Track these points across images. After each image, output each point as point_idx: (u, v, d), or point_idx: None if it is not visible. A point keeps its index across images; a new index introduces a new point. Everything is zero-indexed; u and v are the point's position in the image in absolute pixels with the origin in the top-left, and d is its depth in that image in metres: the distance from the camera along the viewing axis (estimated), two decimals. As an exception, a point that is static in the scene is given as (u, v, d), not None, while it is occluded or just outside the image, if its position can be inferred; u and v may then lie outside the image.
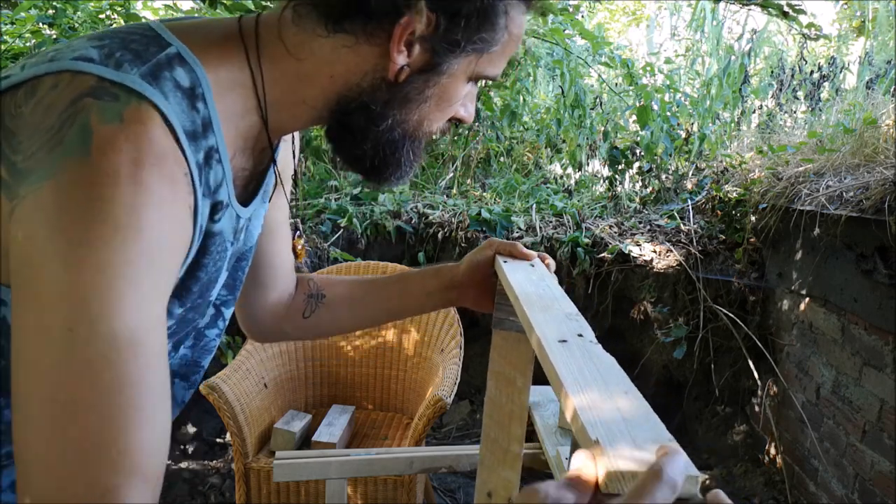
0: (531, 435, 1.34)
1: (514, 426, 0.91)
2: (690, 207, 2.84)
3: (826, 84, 3.46)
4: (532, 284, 0.76)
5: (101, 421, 0.47)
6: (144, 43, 0.57)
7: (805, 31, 2.76)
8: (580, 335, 0.61)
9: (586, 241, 2.65)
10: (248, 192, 0.72)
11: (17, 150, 0.52)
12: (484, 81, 0.71)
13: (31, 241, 0.50)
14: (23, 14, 2.98)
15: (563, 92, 3.28)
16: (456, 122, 0.72)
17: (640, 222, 2.86)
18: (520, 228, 2.73)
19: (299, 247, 0.87)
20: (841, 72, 3.58)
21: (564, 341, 0.59)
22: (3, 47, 2.87)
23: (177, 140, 0.55)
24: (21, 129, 0.53)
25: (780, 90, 3.59)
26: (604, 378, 0.54)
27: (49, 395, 0.47)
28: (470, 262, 0.91)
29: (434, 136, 0.72)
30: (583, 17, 4.09)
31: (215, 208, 0.64)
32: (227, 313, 0.80)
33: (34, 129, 0.52)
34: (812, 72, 3.54)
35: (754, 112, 3.63)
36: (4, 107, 0.55)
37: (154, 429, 0.50)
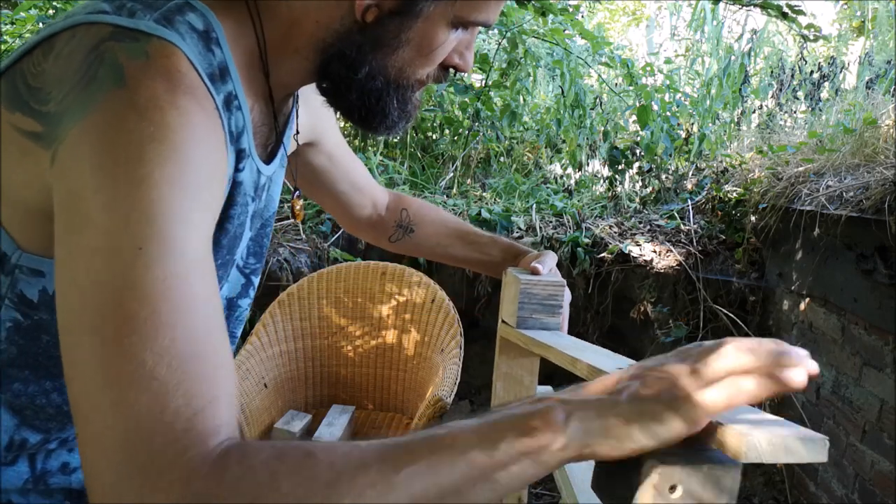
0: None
1: None
2: (690, 207, 2.84)
3: (826, 84, 3.46)
4: (554, 337, 0.80)
5: (188, 335, 0.45)
6: None
7: (804, 32, 2.76)
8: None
9: (586, 241, 2.65)
10: (268, 152, 0.73)
11: (46, 101, 0.52)
12: (475, 30, 0.69)
13: (82, 174, 0.48)
14: (23, 14, 2.98)
15: (563, 92, 3.28)
16: (452, 69, 0.70)
17: (640, 222, 2.86)
18: (520, 228, 2.73)
19: (298, 207, 0.88)
20: (841, 72, 3.58)
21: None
22: (3, 47, 2.87)
23: (200, 78, 0.55)
24: (46, 82, 0.53)
25: (780, 90, 3.59)
26: None
27: (128, 313, 0.44)
28: (525, 263, 0.99)
29: (426, 84, 0.69)
30: (583, 17, 4.10)
31: (239, 156, 0.64)
32: (256, 282, 0.80)
33: (60, 77, 0.52)
34: (812, 72, 3.54)
35: (754, 112, 3.63)
36: (26, 69, 0.54)
37: (227, 349, 0.49)
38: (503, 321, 0.95)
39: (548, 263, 0.95)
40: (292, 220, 2.55)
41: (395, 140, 3.40)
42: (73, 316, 0.46)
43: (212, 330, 0.47)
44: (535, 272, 0.91)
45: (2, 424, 0.62)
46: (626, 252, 2.62)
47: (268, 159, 0.72)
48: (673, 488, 0.45)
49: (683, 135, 3.23)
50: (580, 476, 0.87)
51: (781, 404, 2.51)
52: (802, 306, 2.35)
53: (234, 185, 0.65)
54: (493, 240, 1.07)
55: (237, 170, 0.64)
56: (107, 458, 0.42)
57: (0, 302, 0.59)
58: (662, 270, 2.63)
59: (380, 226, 1.08)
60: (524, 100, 3.59)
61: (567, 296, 0.94)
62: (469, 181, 3.28)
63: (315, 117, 0.86)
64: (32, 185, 0.53)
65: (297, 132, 0.80)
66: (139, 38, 0.52)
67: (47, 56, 0.54)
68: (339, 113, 0.72)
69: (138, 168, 0.47)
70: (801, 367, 0.45)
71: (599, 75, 3.65)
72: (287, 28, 0.64)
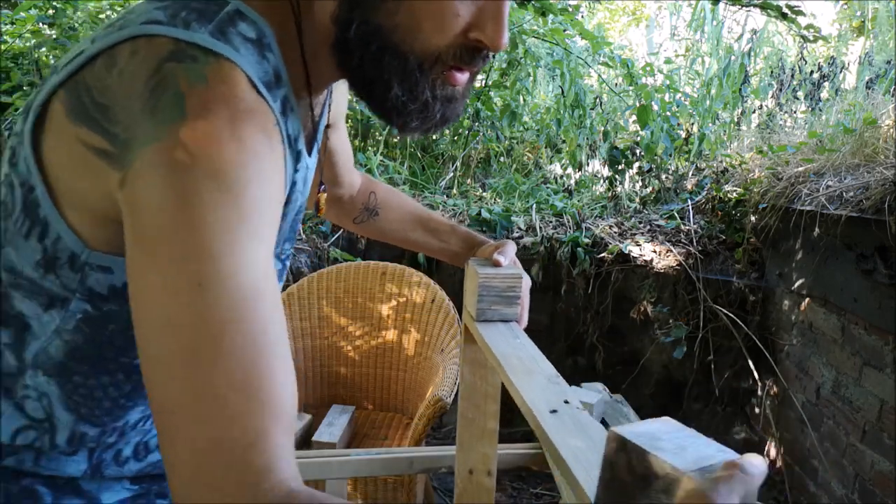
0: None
1: (490, 404, 1.00)
2: (690, 207, 2.84)
3: (826, 84, 3.46)
4: (509, 345, 0.81)
5: (245, 369, 0.48)
6: (203, 1, 0.58)
7: (804, 32, 2.76)
8: (566, 401, 0.65)
9: (586, 241, 2.65)
10: (309, 144, 0.73)
11: (114, 122, 0.53)
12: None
13: (146, 207, 0.51)
14: (23, 14, 2.98)
15: (563, 92, 3.28)
16: (481, 47, 0.61)
17: (640, 222, 2.86)
18: (520, 228, 2.73)
19: (322, 201, 0.88)
20: (841, 72, 3.58)
21: (555, 411, 0.62)
22: (3, 47, 2.87)
23: (258, 92, 0.56)
24: (112, 100, 0.54)
25: (780, 90, 3.59)
26: (598, 450, 0.57)
27: (190, 349, 0.48)
28: (485, 254, 0.99)
29: (446, 63, 0.61)
30: (583, 17, 4.10)
31: (297, 158, 0.66)
32: (288, 266, 0.84)
33: (125, 98, 0.53)
34: (812, 72, 3.54)
35: (754, 112, 3.63)
36: (90, 82, 0.55)
37: (287, 372, 0.51)
38: (467, 311, 0.97)
39: (508, 254, 0.95)
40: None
41: (396, 140, 3.40)
42: (147, 338, 0.51)
43: (275, 354, 0.50)
44: (496, 264, 0.92)
45: (62, 420, 0.65)
46: (626, 252, 2.62)
47: (308, 150, 0.73)
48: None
49: (683, 135, 3.23)
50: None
51: (782, 404, 2.51)
52: (802, 306, 2.35)
53: (291, 187, 0.66)
54: (453, 229, 1.08)
55: (295, 170, 0.66)
56: (181, 480, 0.48)
57: (71, 295, 0.61)
58: (662, 270, 2.63)
59: (349, 206, 1.10)
60: (524, 100, 3.59)
61: (526, 285, 0.96)
62: (469, 181, 3.28)
63: (340, 97, 0.89)
64: (100, 194, 0.55)
65: (329, 124, 0.82)
66: (197, 57, 0.53)
67: (110, 71, 0.54)
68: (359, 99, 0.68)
69: (195, 208, 0.49)
70: None
71: (599, 75, 3.65)
72: (318, 18, 0.63)
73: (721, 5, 3.52)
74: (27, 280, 0.61)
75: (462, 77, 0.63)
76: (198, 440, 0.47)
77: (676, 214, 2.84)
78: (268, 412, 0.48)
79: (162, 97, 0.51)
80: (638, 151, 3.14)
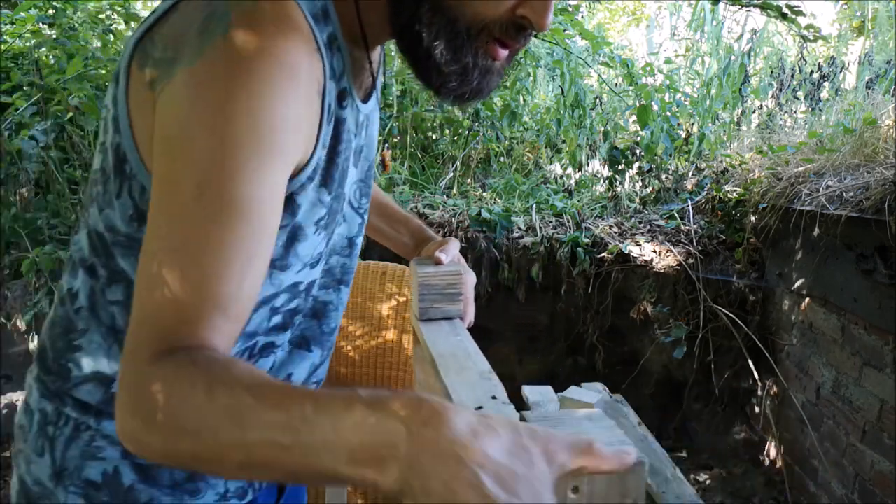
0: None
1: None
2: (690, 207, 2.84)
3: (826, 84, 3.46)
4: (448, 343, 0.81)
5: (205, 267, 0.54)
6: None
7: (804, 32, 2.76)
8: (494, 397, 0.65)
9: (586, 241, 2.65)
10: (364, 93, 0.75)
11: (165, 49, 0.59)
12: None
13: (173, 110, 0.56)
14: (23, 14, 2.97)
15: (563, 92, 3.28)
16: (526, 25, 0.64)
17: (640, 222, 2.86)
18: (520, 228, 2.73)
19: (388, 159, 0.89)
20: (841, 72, 3.58)
21: (480, 408, 0.62)
22: (3, 47, 2.87)
23: (305, 18, 0.59)
24: (167, 36, 0.59)
25: (780, 90, 3.59)
26: None
27: (167, 237, 0.55)
28: (427, 252, 0.99)
29: (492, 33, 0.64)
30: (583, 17, 4.09)
31: (342, 95, 0.67)
32: (366, 221, 0.86)
33: (179, 31, 0.58)
34: (812, 72, 3.54)
35: (754, 112, 3.63)
36: (157, 30, 0.61)
37: (241, 284, 0.56)
38: (412, 310, 0.97)
39: (451, 252, 0.95)
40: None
41: (396, 140, 3.40)
42: (147, 230, 0.57)
43: (235, 265, 0.55)
44: (437, 262, 0.92)
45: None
46: (626, 252, 2.62)
47: (364, 99, 0.75)
48: (576, 489, 0.44)
49: (683, 135, 3.23)
50: None
51: (782, 404, 2.51)
52: (802, 306, 2.35)
53: (339, 123, 0.68)
54: (407, 220, 1.08)
55: (341, 107, 0.68)
56: (134, 323, 0.55)
57: None
58: (662, 270, 2.63)
59: None
60: (524, 100, 3.59)
61: (470, 282, 0.95)
62: (469, 181, 3.28)
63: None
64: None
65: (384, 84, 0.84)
66: None
67: (174, 15, 0.60)
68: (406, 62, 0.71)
69: (218, 115, 0.54)
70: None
71: (599, 75, 3.65)
72: None
73: (721, 5, 3.52)
74: (124, 236, 0.65)
75: (502, 52, 0.66)
76: (146, 310, 0.54)
77: (676, 214, 2.84)
78: (209, 305, 0.54)
79: (212, 20, 0.56)
80: (638, 151, 3.14)
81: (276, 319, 0.74)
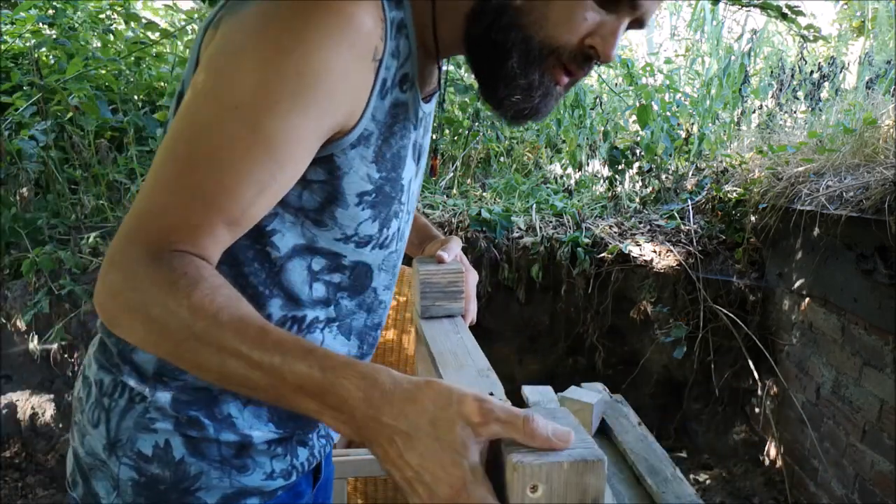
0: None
1: None
2: (690, 207, 2.84)
3: (826, 84, 3.46)
4: (448, 341, 0.82)
5: (222, 182, 0.58)
6: None
7: (804, 32, 2.76)
8: (491, 393, 0.67)
9: (586, 241, 2.65)
10: (425, 95, 0.77)
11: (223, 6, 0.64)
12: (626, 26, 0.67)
13: (230, 34, 0.60)
14: (23, 14, 2.98)
15: (563, 92, 3.27)
16: (592, 55, 0.67)
17: (640, 222, 2.86)
18: (520, 228, 2.73)
19: (437, 166, 0.90)
20: (841, 72, 3.58)
21: (492, 394, 0.63)
22: (3, 47, 2.87)
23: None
24: (234, 6, 0.63)
25: (780, 90, 3.58)
26: None
27: (188, 145, 0.59)
28: (430, 251, 1.00)
29: (562, 59, 0.67)
30: (583, 17, 4.08)
31: (404, 79, 0.69)
32: (412, 215, 0.89)
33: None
34: (812, 72, 3.54)
35: (754, 112, 3.63)
36: (224, 9, 0.65)
37: (248, 208, 0.60)
38: (414, 308, 0.97)
39: (452, 250, 0.96)
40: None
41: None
42: (169, 132, 0.61)
43: (246, 183, 0.59)
44: (439, 260, 0.93)
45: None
46: (626, 252, 2.62)
47: (425, 100, 0.77)
48: (534, 488, 0.45)
49: (683, 135, 3.23)
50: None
51: (782, 404, 2.51)
52: (802, 306, 2.35)
53: (397, 105, 0.69)
54: (413, 218, 1.08)
55: (402, 91, 0.69)
56: (124, 224, 0.59)
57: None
58: (662, 270, 2.63)
59: None
60: (524, 100, 3.58)
61: (472, 280, 0.96)
62: (469, 181, 3.27)
63: None
64: None
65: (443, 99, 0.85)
66: None
67: None
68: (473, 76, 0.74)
69: (268, 47, 0.58)
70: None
71: (599, 75, 3.65)
72: None
73: (721, 5, 3.52)
74: None
75: (565, 79, 0.69)
76: (153, 209, 0.58)
77: (676, 214, 2.84)
78: (221, 221, 0.58)
79: None
80: (638, 151, 3.14)
81: (320, 291, 0.75)
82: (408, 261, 1.04)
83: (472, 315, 0.95)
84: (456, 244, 0.98)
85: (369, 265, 0.78)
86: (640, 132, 3.13)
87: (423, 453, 0.47)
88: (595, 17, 0.65)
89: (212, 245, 0.59)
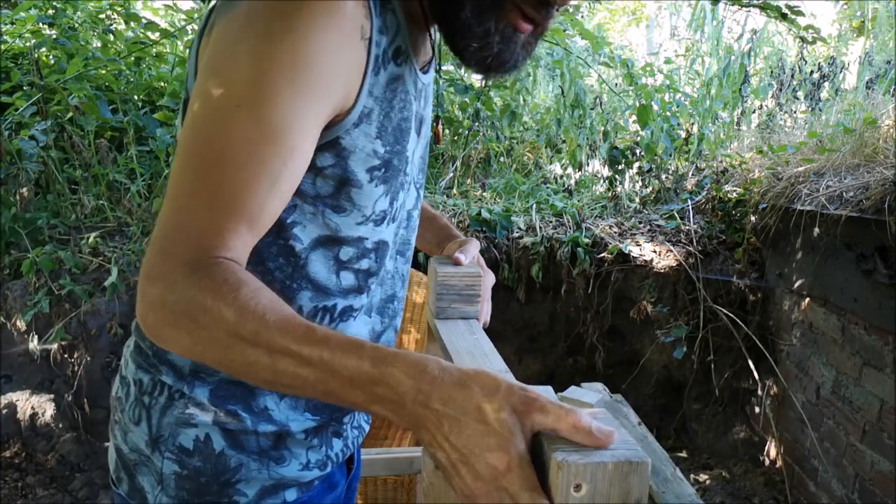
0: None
1: None
2: (690, 207, 2.84)
3: (826, 84, 3.46)
4: (464, 342, 0.82)
5: (238, 181, 0.59)
6: None
7: (803, 33, 2.76)
8: None
9: (586, 241, 2.65)
10: (422, 65, 0.79)
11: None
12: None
13: (223, 35, 0.62)
14: (23, 14, 2.98)
15: (563, 92, 3.28)
16: (524, 20, 0.69)
17: (640, 222, 2.86)
18: (520, 228, 2.73)
19: (440, 133, 0.90)
20: (841, 72, 3.58)
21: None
22: (3, 47, 2.87)
23: None
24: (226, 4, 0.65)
25: (780, 90, 3.58)
26: None
27: (200, 151, 0.60)
28: (448, 252, 1.01)
29: (517, 2, 0.68)
30: (583, 17, 4.10)
31: (397, 52, 0.71)
32: (422, 196, 0.90)
33: None
34: (812, 72, 3.54)
35: (754, 112, 3.63)
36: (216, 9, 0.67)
37: (265, 202, 0.61)
38: (428, 308, 0.97)
39: (470, 252, 0.96)
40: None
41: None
42: (181, 132, 0.63)
43: (259, 182, 0.60)
44: (456, 262, 0.93)
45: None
46: (626, 252, 2.62)
47: (423, 70, 0.79)
48: (578, 487, 0.45)
49: (683, 135, 3.23)
50: None
51: (782, 404, 2.51)
52: (802, 306, 2.35)
53: (395, 79, 0.71)
54: (433, 218, 1.09)
55: (397, 64, 0.71)
56: (155, 240, 0.60)
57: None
58: (662, 270, 2.63)
59: None
60: (524, 100, 3.59)
61: (488, 283, 0.97)
62: (469, 181, 3.27)
63: None
64: None
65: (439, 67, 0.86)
66: None
67: None
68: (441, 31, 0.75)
69: (261, 42, 0.60)
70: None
71: (599, 75, 3.65)
72: None
73: (721, 5, 3.52)
74: None
75: (525, 25, 0.69)
76: (173, 218, 0.59)
77: (676, 214, 2.84)
78: (242, 219, 0.59)
79: None
80: (638, 151, 3.14)
81: (349, 279, 0.76)
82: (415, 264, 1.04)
83: (486, 317, 0.95)
84: (474, 246, 0.99)
85: (387, 242, 0.79)
86: (640, 132, 3.13)
87: (469, 436, 0.48)
88: None
89: (240, 246, 0.60)
